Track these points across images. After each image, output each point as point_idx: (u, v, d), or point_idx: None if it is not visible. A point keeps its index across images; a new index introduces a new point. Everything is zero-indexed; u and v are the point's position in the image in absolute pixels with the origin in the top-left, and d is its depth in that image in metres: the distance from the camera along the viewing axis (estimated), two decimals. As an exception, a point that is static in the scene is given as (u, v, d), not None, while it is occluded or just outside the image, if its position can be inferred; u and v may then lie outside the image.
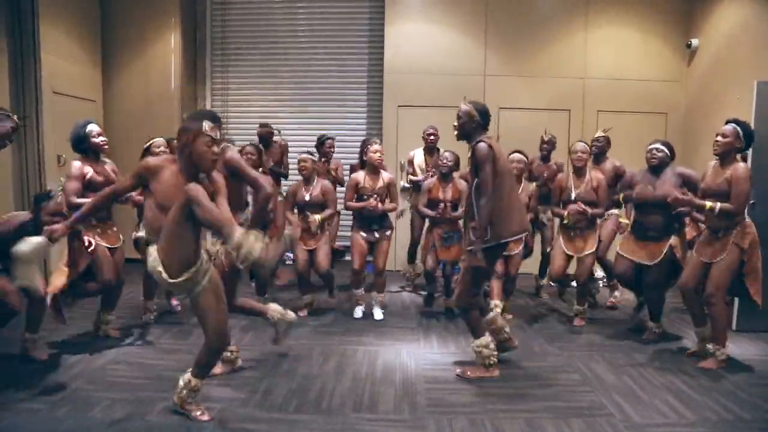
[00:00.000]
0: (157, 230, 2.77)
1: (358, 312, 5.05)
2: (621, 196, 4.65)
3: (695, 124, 6.67)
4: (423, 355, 4.12)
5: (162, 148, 4.51)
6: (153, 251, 2.79)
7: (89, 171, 3.95)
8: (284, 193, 5.36)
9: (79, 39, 6.59)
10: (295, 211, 5.09)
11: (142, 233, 4.04)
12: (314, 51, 7.68)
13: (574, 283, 5.35)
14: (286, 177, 6.19)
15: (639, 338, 4.53)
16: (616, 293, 5.51)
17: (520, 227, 3.63)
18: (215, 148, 2.79)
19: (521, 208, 3.70)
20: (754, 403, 3.35)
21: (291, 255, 5.72)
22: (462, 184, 4.99)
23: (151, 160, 2.89)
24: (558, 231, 5.02)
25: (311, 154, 5.13)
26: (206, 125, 2.76)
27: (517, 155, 4.98)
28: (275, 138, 6.10)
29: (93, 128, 4.01)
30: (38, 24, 5.72)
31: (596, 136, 5.30)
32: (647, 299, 4.53)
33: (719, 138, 3.84)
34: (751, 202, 4.50)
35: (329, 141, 6.00)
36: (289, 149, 6.33)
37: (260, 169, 5.18)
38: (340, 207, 5.55)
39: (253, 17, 7.73)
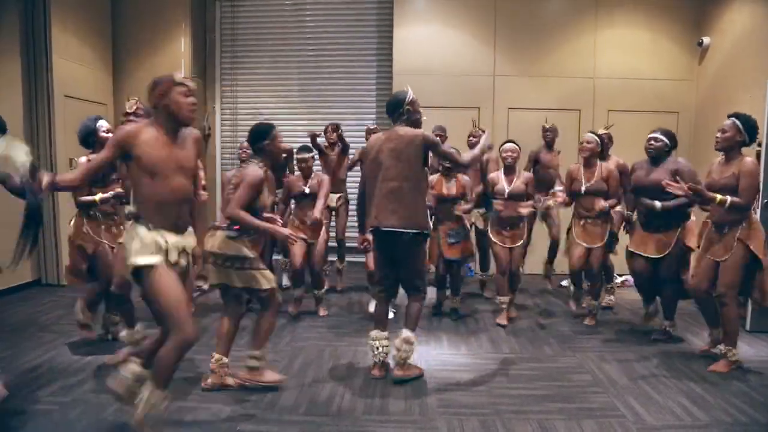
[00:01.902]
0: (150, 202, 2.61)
1: (373, 306, 5.01)
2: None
3: (707, 122, 6.61)
4: (433, 356, 4.11)
5: None
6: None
7: None
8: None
9: (91, 43, 6.64)
10: (292, 204, 5.07)
11: None
12: (323, 53, 7.69)
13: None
14: None
15: (650, 339, 4.49)
16: (612, 297, 5.49)
17: (375, 222, 3.61)
18: (192, 98, 2.67)
19: (386, 205, 3.56)
20: (768, 404, 3.32)
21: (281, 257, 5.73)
22: (465, 180, 4.95)
23: (126, 127, 2.64)
24: (571, 222, 4.96)
25: (309, 149, 5.10)
26: (177, 75, 2.66)
27: (508, 145, 4.96)
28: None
29: (103, 124, 4.04)
30: (50, 28, 5.79)
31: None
32: (661, 295, 4.47)
33: (719, 134, 3.82)
34: (765, 201, 4.46)
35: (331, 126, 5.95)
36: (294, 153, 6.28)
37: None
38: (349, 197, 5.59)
39: (263, 21, 7.76)
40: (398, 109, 3.69)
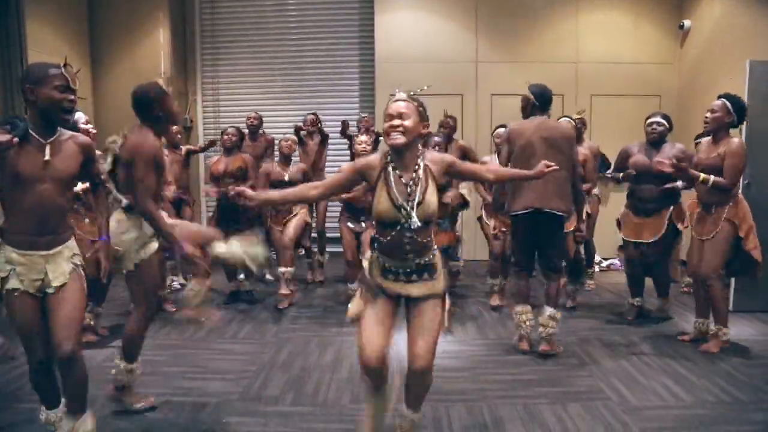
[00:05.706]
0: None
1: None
2: (618, 174, 4.50)
3: (689, 105, 6.64)
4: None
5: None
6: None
7: None
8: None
9: (67, 37, 6.53)
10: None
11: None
12: (305, 42, 7.63)
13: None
14: None
15: (635, 322, 4.52)
16: (590, 281, 5.53)
17: (536, 203, 3.73)
18: (70, 94, 2.39)
19: (550, 189, 3.70)
20: (751, 384, 3.35)
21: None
22: None
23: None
24: None
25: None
26: (53, 70, 2.35)
27: (501, 130, 5.03)
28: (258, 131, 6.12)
29: (81, 116, 3.98)
30: (24, 22, 5.66)
31: (573, 117, 5.25)
32: (652, 276, 4.49)
33: (708, 114, 3.81)
34: (746, 182, 4.49)
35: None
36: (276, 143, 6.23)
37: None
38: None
39: (243, 9, 7.67)
40: (550, 102, 3.98)
